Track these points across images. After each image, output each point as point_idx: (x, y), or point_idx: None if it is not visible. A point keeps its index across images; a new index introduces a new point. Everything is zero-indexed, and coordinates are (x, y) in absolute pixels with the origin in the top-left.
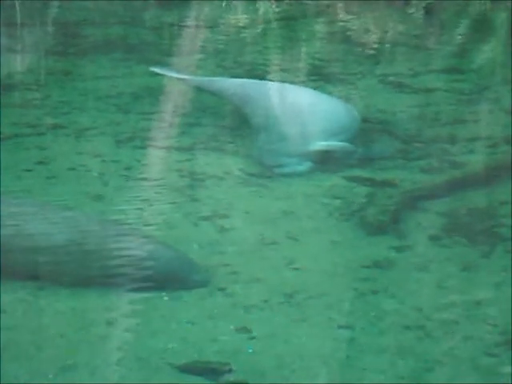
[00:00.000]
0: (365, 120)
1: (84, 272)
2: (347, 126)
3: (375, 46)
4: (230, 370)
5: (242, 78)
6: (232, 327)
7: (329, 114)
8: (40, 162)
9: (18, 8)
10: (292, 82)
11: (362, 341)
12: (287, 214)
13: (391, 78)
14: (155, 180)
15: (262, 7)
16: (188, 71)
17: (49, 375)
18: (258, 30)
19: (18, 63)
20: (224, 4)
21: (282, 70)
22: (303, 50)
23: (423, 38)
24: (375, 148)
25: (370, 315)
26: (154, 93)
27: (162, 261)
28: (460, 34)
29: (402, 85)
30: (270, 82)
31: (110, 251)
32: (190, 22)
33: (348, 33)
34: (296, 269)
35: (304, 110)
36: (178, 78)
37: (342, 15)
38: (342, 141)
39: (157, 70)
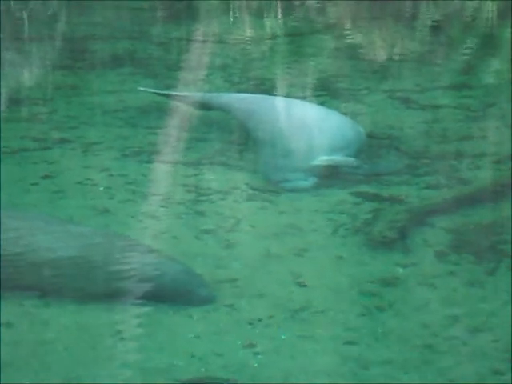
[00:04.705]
0: (372, 136)
1: (89, 286)
2: (351, 141)
3: (382, 61)
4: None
5: (248, 92)
6: (238, 342)
7: (333, 128)
8: (47, 176)
9: (25, 22)
10: (298, 97)
11: (368, 357)
12: (293, 229)
13: (398, 94)
14: (161, 194)
15: (269, 23)
16: (190, 87)
17: None
18: (265, 46)
19: (26, 78)
20: (232, 19)
21: (289, 85)
22: (310, 65)
23: (430, 54)
24: (382, 164)
25: (376, 331)
26: (161, 107)
27: (167, 275)
28: (467, 50)
29: (409, 101)
30: (274, 97)
31: (115, 265)
32: (198, 37)
33: (355, 48)
34: (302, 284)
35: (309, 124)
36: (172, 96)
37: (348, 31)
38: (346, 156)
39: (143, 88)
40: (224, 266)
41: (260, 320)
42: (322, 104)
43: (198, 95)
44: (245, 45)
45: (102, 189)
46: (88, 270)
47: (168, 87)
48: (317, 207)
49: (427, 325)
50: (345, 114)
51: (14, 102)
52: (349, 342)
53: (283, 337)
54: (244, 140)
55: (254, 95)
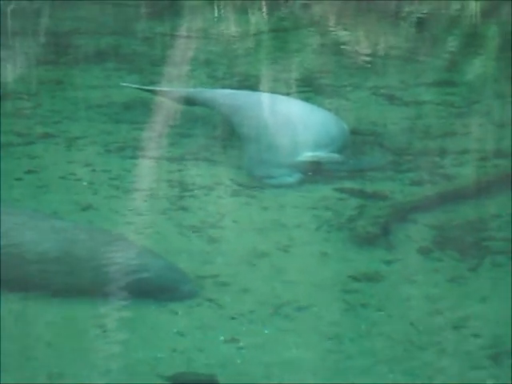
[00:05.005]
0: (355, 132)
1: (73, 282)
2: (335, 138)
3: (367, 58)
4: (219, 381)
5: (233, 88)
6: (221, 338)
7: (317, 125)
8: (30, 171)
9: (10, 17)
10: (282, 93)
11: (351, 353)
12: (277, 224)
13: (382, 91)
14: (145, 190)
15: (253, 19)
16: (174, 83)
17: None
18: (250, 42)
19: (10, 72)
20: (216, 15)
21: (273, 81)
22: (294, 61)
23: (415, 51)
24: (366, 160)
25: (359, 327)
26: (145, 103)
27: (151, 271)
28: (451, 48)
29: (393, 97)
30: (259, 93)
31: (99, 261)
32: (183, 32)
33: (339, 45)
34: (285, 280)
35: (293, 120)
36: (155, 91)
37: (333, 27)
38: (330, 152)
39: (126, 84)
40: (208, 262)
41: (243, 315)
42: (306, 100)
43: (182, 91)
44: (229, 40)
45: (85, 184)
46: (72, 265)
47: (152, 83)
48: (301, 203)
49: (410, 320)
50: (329, 110)
51: None
52: (332, 338)
53: (266, 332)
54: (228, 136)
55: (238, 91)
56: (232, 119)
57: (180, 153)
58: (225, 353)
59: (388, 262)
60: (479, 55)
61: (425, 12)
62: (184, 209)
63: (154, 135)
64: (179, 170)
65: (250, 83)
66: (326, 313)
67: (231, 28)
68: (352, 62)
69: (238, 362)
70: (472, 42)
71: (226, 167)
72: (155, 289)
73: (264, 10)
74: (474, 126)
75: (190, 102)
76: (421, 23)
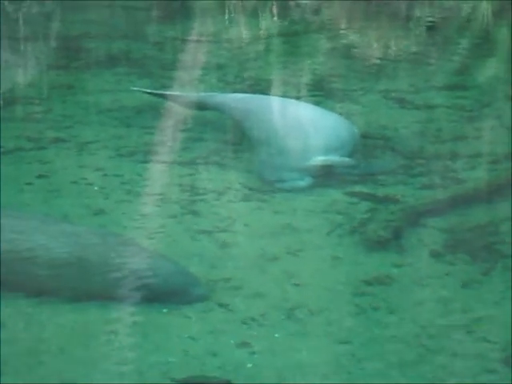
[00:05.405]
0: (366, 136)
1: (84, 286)
2: (346, 141)
3: (377, 61)
4: None
5: (243, 92)
6: (232, 342)
7: (328, 128)
8: (41, 176)
9: (20, 22)
10: (293, 97)
11: (362, 356)
12: (288, 228)
13: (393, 94)
14: (156, 194)
15: (264, 23)
16: (185, 87)
17: None
18: (261, 46)
19: (21, 77)
20: (227, 19)
21: (284, 85)
22: (305, 65)
23: (425, 55)
24: (377, 164)
25: (371, 331)
26: (156, 107)
27: (162, 275)
28: (462, 51)
29: (404, 101)
30: (270, 97)
31: (110, 265)
32: (193, 36)
33: (350, 49)
34: (297, 284)
35: (304, 124)
36: (166, 95)
37: (344, 31)
38: (341, 156)
39: (137, 88)
40: (219, 266)
41: (255, 319)
42: (316, 104)
43: (192, 95)
44: (240, 45)
45: (96, 188)
46: (83, 269)
47: (163, 87)
48: (312, 207)
49: (422, 324)
50: (340, 114)
51: (9, 101)
52: (343, 342)
53: (277, 335)
54: (239, 140)
55: (249, 95)
56: (243, 123)
57: (191, 157)
58: (236, 357)
59: (399, 266)
60: (490, 58)
61: (435, 15)
62: (195, 213)
63: (165, 139)
64: (190, 174)
65: (260, 87)
66: (337, 316)
67: (242, 32)
68: (363, 66)
69: (250, 366)
70: (483, 44)
71: (237, 171)
72: (166, 293)
73: (275, 13)
74: (485, 129)
75: (200, 106)
76: (431, 26)
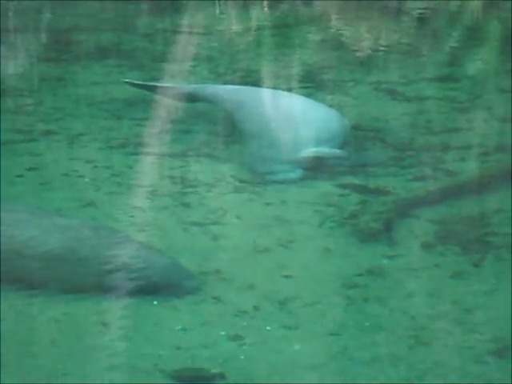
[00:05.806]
0: (357, 127)
1: (76, 279)
2: (337, 133)
3: (368, 53)
4: (222, 377)
5: (234, 84)
6: (224, 334)
7: (319, 120)
8: (32, 168)
9: (10, 14)
10: (284, 89)
11: (354, 348)
12: (279, 220)
13: (384, 86)
14: (147, 186)
15: (255, 14)
16: (176, 79)
17: (40, 382)
18: (251, 37)
19: (11, 69)
20: (217, 11)
21: (274, 77)
22: (296, 57)
23: (416, 46)
24: (368, 155)
25: (362, 323)
26: (146, 99)
27: (154, 267)
28: (453, 43)
29: (394, 92)
30: (261, 89)
31: (102, 258)
32: (184, 28)
33: (341, 40)
34: (288, 276)
35: (295, 116)
36: (157, 87)
37: (335, 23)
38: (332, 148)
39: (128, 80)
40: (210, 258)
41: (247, 311)
42: (307, 96)
43: (183, 87)
44: (231, 36)
45: (87, 180)
46: (75, 262)
47: (154, 79)
48: (303, 199)
49: (413, 316)
50: (331, 105)
51: (0, 94)
52: (335, 333)
53: (268, 328)
54: (230, 132)
55: (240, 87)
56: (234, 115)
57: (182, 149)
58: (228, 349)
59: (391, 258)
60: (481, 50)
61: (426, 7)
62: (186, 205)
63: (156, 131)
64: (181, 167)
65: (251, 79)
66: (328, 308)
67: (233, 24)
68: (353, 58)
69: (242, 357)
70: (473, 36)
71: (228, 163)
72: (158, 285)
73: (265, 5)
74: (476, 121)
75: (191, 97)
76: (422, 18)
